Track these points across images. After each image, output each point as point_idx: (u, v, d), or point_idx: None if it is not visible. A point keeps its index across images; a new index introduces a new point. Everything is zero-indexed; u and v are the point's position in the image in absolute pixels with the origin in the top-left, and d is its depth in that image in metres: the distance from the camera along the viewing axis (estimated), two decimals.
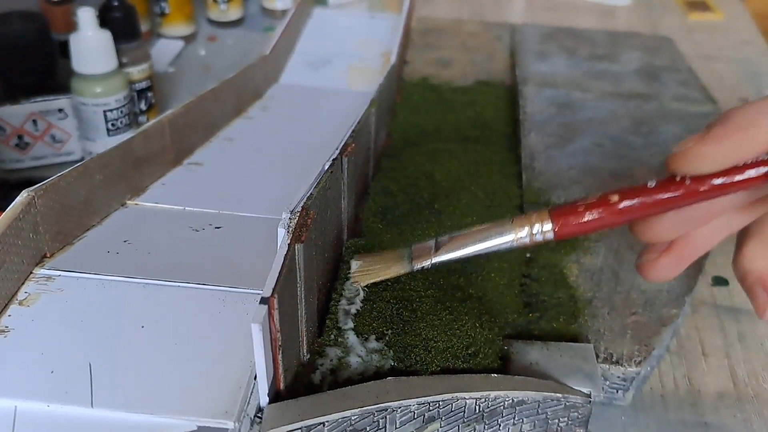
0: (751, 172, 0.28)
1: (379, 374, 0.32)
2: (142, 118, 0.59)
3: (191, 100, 0.48)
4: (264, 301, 0.27)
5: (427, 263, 0.33)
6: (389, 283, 0.36)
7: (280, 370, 0.29)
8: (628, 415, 0.37)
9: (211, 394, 0.29)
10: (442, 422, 0.31)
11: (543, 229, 0.31)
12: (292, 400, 0.29)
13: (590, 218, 0.30)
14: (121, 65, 0.54)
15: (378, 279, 0.35)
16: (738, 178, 0.28)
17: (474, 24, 0.77)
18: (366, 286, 0.35)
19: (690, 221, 0.30)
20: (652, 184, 0.30)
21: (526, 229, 0.31)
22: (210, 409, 0.28)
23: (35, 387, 0.29)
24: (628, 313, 0.39)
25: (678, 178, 0.29)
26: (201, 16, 0.80)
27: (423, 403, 0.30)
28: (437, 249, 0.33)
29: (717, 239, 0.32)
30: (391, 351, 0.32)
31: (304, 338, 0.32)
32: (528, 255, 0.43)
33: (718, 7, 0.87)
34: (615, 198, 0.30)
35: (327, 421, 0.28)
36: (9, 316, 0.33)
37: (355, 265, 0.36)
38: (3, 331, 0.32)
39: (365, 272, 0.35)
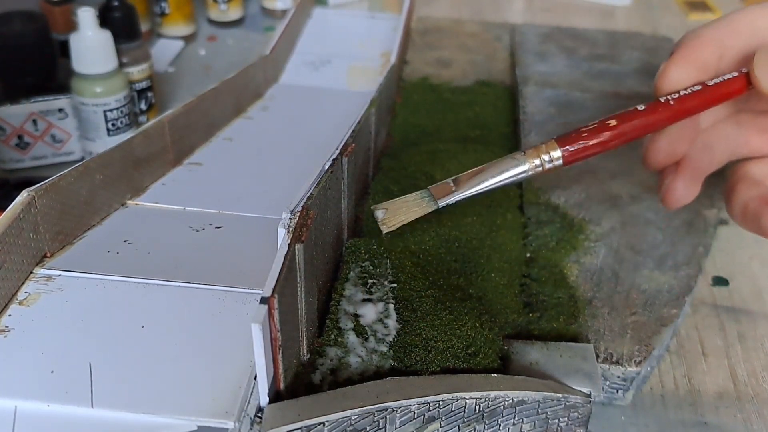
0: (719, 87, 0.34)
1: (379, 374, 0.32)
2: (142, 118, 0.59)
3: (191, 100, 0.48)
4: (264, 301, 0.27)
5: (452, 200, 0.34)
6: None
7: (280, 370, 0.29)
8: (628, 415, 0.37)
9: (211, 394, 0.29)
10: (442, 422, 0.31)
11: (553, 156, 0.34)
12: (292, 400, 0.29)
13: (594, 142, 0.34)
14: (121, 65, 0.54)
15: (407, 221, 0.35)
16: (710, 94, 0.34)
17: (474, 24, 0.77)
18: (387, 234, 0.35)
19: (682, 138, 0.35)
20: (641, 107, 0.34)
21: (538, 159, 0.34)
22: (210, 409, 0.28)
23: (35, 387, 0.29)
24: (628, 313, 0.39)
25: (663, 100, 0.34)
26: (201, 16, 0.80)
27: (423, 403, 0.30)
28: (456, 186, 0.34)
29: (718, 156, 0.36)
30: (391, 351, 0.32)
31: (304, 338, 0.32)
32: (528, 255, 0.43)
33: (718, 7, 0.87)
34: (613, 122, 0.34)
35: (327, 421, 0.28)
36: (9, 315, 0.33)
37: (380, 213, 0.35)
38: (3, 331, 0.32)
39: (392, 217, 0.35)
